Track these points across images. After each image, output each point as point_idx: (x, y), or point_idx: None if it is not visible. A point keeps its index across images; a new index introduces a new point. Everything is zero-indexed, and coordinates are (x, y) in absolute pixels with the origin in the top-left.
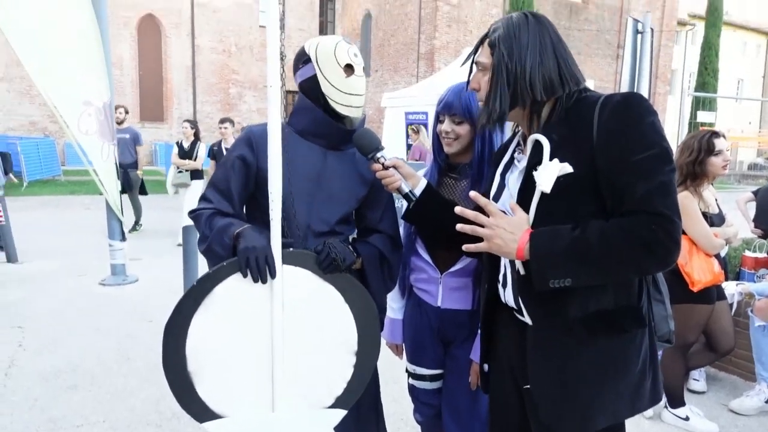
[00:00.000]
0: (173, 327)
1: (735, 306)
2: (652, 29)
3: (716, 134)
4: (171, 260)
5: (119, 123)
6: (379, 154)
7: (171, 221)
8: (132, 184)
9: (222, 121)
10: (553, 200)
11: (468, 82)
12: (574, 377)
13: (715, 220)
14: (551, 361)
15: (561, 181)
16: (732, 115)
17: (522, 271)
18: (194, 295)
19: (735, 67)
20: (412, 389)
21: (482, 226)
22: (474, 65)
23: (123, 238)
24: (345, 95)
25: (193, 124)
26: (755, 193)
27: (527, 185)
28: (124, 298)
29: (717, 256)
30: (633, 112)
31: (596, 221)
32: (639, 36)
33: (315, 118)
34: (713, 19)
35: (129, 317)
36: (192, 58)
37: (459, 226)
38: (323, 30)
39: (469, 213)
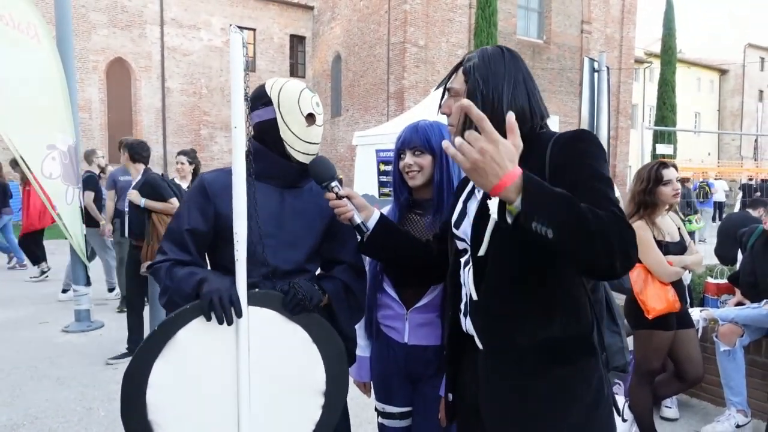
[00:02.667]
0: (133, 375)
1: (700, 332)
2: (608, 67)
3: (665, 165)
4: None
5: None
6: (333, 184)
7: None
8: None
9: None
10: (505, 231)
11: (440, 106)
12: (523, 406)
13: (671, 248)
14: (501, 389)
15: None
16: (692, 148)
17: (474, 297)
18: (155, 341)
19: (691, 101)
20: (381, 428)
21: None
22: (446, 92)
23: (88, 283)
24: (304, 143)
25: (192, 156)
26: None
27: (482, 213)
28: (88, 345)
29: (677, 283)
30: (583, 143)
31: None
32: (596, 74)
33: (269, 160)
34: (667, 57)
35: (92, 365)
36: (162, 100)
37: (457, 140)
38: (294, 72)
39: (472, 109)
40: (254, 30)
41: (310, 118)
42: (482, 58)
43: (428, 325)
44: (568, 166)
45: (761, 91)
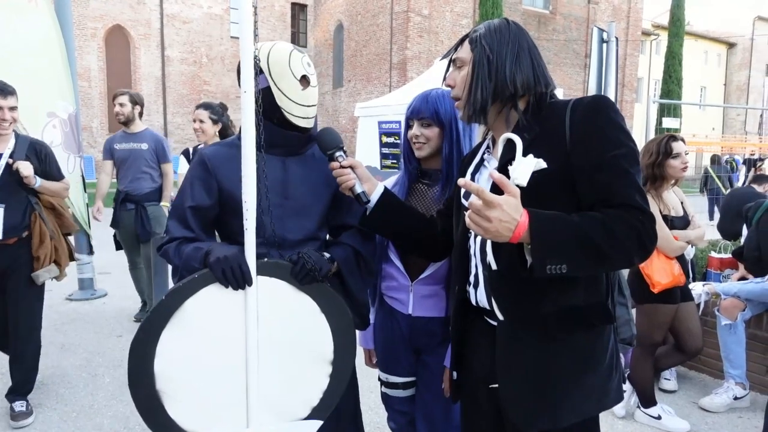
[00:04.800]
0: (140, 345)
1: (702, 306)
2: (616, 38)
3: (674, 138)
4: None
5: (125, 123)
6: (338, 153)
7: None
8: (149, 231)
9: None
10: (526, 197)
11: (444, 79)
12: (544, 374)
13: (677, 222)
14: (520, 359)
15: (534, 178)
16: (696, 122)
17: (494, 267)
18: (162, 311)
19: (698, 75)
20: (385, 397)
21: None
22: (451, 63)
23: (90, 252)
24: (302, 107)
25: (217, 110)
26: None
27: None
28: (91, 313)
29: (680, 258)
30: (603, 114)
31: (587, 212)
32: (604, 45)
33: (269, 130)
34: (676, 29)
35: (97, 333)
36: (162, 69)
37: (466, 219)
38: (295, 41)
39: (472, 186)
40: None
41: (304, 80)
42: (488, 28)
43: (433, 296)
44: (592, 143)
45: None
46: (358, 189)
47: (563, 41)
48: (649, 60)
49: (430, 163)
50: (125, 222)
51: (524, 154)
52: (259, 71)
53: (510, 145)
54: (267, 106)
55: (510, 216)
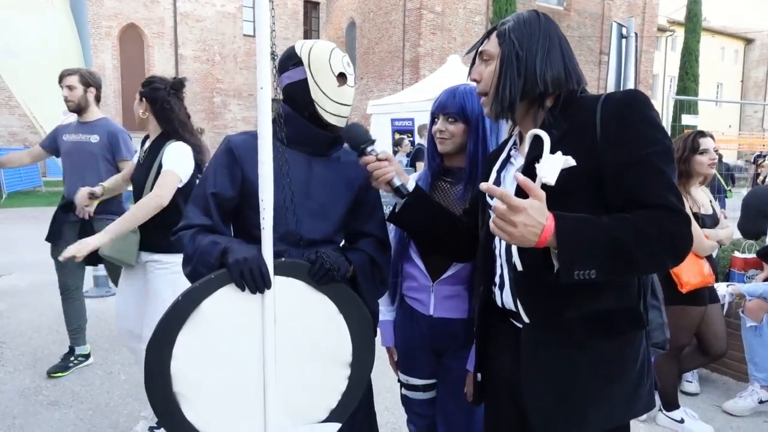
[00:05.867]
0: (156, 346)
1: (726, 307)
2: (636, 34)
3: (702, 134)
4: None
5: (76, 110)
6: (370, 147)
7: None
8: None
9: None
10: (552, 196)
11: (469, 73)
12: (570, 381)
13: (707, 221)
14: (546, 363)
15: (562, 176)
16: (712, 119)
17: (519, 267)
18: (179, 311)
19: (714, 71)
20: (405, 399)
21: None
22: (477, 57)
23: None
24: (336, 104)
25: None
26: None
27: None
28: (107, 311)
29: (708, 257)
30: (636, 109)
31: (617, 213)
32: (623, 41)
33: (299, 125)
34: (692, 25)
35: (112, 330)
36: (175, 67)
37: (490, 225)
38: (307, 38)
39: (496, 191)
40: None
41: (342, 77)
42: (517, 21)
43: (455, 297)
44: (625, 140)
45: None
46: (397, 182)
47: (577, 38)
48: (665, 57)
49: (453, 161)
50: (66, 236)
51: (552, 151)
52: (298, 63)
53: (537, 141)
54: (300, 99)
55: (536, 220)
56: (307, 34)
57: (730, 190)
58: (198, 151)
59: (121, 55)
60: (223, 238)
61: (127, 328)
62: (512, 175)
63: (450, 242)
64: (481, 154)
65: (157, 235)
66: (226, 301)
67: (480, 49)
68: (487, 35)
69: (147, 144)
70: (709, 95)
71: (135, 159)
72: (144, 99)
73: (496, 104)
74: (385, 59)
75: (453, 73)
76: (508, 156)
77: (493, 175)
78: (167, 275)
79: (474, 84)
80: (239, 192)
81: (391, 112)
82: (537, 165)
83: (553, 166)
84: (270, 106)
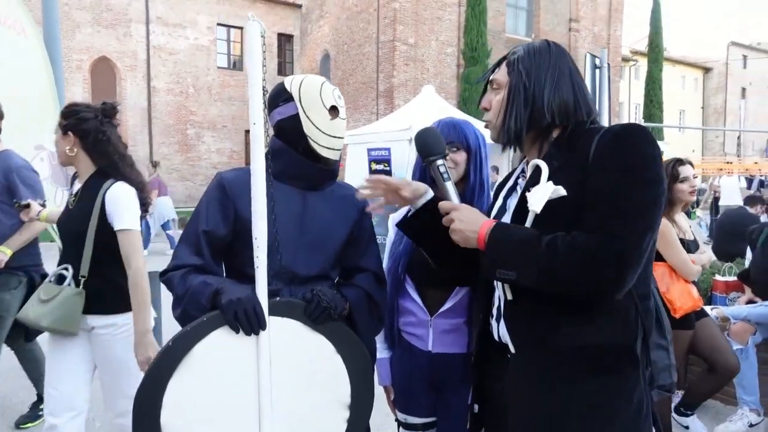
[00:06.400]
0: (145, 397)
1: None
2: (609, 64)
3: (681, 162)
4: None
5: None
6: (440, 161)
7: None
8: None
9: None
10: (546, 224)
11: (479, 102)
12: (554, 419)
13: (690, 246)
14: (529, 399)
15: (555, 205)
16: (676, 145)
17: (509, 296)
18: (170, 357)
19: (676, 99)
20: None
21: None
22: (488, 85)
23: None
24: (328, 137)
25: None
26: None
27: (522, 207)
28: None
29: (694, 281)
30: (629, 140)
31: (562, 232)
32: (597, 71)
33: (292, 159)
34: (655, 55)
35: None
36: (148, 99)
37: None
38: (282, 71)
39: (443, 206)
40: (241, 29)
41: (333, 110)
42: (527, 51)
43: (454, 331)
44: (604, 168)
45: (744, 89)
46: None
47: None
48: (629, 85)
49: None
50: None
51: (548, 181)
52: (288, 98)
53: (537, 171)
54: (293, 134)
55: (470, 219)
56: (281, 67)
57: (694, 212)
58: (141, 188)
59: (92, 88)
60: (215, 278)
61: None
62: (515, 202)
63: (454, 262)
64: (478, 184)
65: (104, 295)
66: (220, 344)
67: (490, 77)
68: (498, 64)
69: (77, 185)
70: (672, 122)
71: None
72: (70, 132)
73: (502, 134)
74: (360, 90)
75: (427, 103)
76: (515, 184)
77: (499, 202)
78: (125, 337)
79: (482, 116)
80: (232, 229)
81: (367, 142)
82: (528, 194)
83: (541, 195)
84: (264, 141)
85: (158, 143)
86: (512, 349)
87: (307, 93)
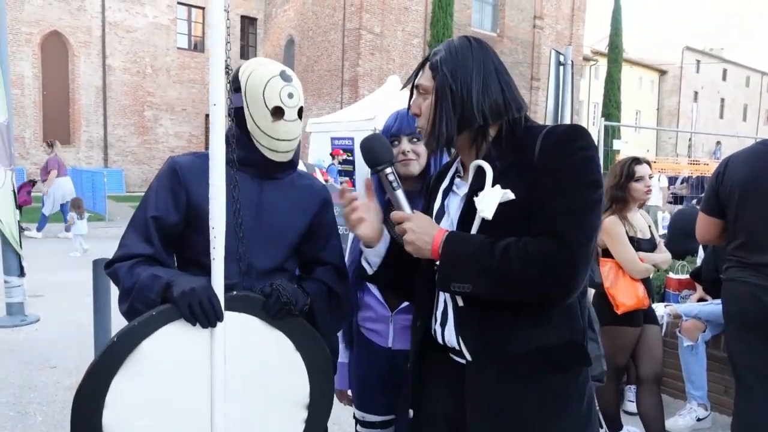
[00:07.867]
0: (86, 396)
1: (665, 327)
2: (572, 62)
3: (638, 161)
4: (78, 295)
5: None
6: (388, 169)
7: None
8: None
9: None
10: (494, 227)
11: (409, 107)
12: (514, 416)
13: (643, 245)
14: (491, 401)
15: (502, 208)
16: (632, 144)
17: (461, 303)
18: (112, 355)
19: (633, 99)
20: None
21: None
22: (414, 89)
23: (21, 274)
24: (270, 139)
25: None
26: None
27: (468, 211)
28: (21, 342)
29: (645, 281)
30: (572, 144)
31: (513, 238)
32: (561, 67)
33: (248, 147)
34: (614, 55)
35: (27, 364)
36: (103, 78)
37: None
38: (244, 55)
39: (395, 216)
40: (203, 9)
41: (278, 112)
42: (449, 50)
43: None
44: (550, 171)
45: (696, 92)
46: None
47: (510, 63)
48: (589, 84)
49: (407, 185)
50: None
51: (494, 184)
52: (239, 88)
53: (480, 173)
54: (241, 126)
55: (423, 229)
56: (244, 50)
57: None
58: None
59: (43, 64)
60: (165, 270)
61: None
62: (456, 204)
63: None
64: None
65: None
66: (170, 340)
67: (416, 83)
68: (421, 66)
69: None
70: (629, 121)
71: None
72: None
73: (432, 140)
74: (324, 78)
75: (392, 93)
76: (451, 184)
77: (437, 203)
78: None
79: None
80: (184, 217)
81: (331, 131)
82: (476, 199)
83: (491, 200)
84: (224, 124)
85: (113, 124)
86: (467, 356)
87: (251, 88)
